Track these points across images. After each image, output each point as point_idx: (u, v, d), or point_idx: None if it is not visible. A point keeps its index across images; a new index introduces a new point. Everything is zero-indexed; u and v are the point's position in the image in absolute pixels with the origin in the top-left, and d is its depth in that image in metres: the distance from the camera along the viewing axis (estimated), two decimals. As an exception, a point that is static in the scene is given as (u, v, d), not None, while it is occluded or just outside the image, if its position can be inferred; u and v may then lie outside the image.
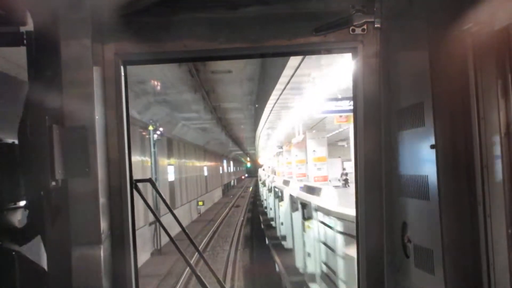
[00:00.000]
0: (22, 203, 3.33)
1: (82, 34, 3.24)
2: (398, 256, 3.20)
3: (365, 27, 3.33)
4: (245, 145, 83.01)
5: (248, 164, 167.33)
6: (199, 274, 3.86)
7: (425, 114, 2.82)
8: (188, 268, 20.23)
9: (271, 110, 27.59)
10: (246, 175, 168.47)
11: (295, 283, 18.83)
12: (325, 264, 14.87)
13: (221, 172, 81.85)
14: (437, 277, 2.76)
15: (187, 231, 4.04)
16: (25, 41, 3.25)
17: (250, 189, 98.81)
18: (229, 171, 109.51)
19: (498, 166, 2.49)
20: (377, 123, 3.36)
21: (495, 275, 2.53)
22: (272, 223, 32.62)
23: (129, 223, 3.45)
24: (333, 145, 51.70)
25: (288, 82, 20.47)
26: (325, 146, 34.84)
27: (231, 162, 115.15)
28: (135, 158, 28.20)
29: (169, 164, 39.66)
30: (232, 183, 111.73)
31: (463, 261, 2.67)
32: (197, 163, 57.05)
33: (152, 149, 31.78)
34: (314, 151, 34.50)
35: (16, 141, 3.29)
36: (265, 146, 52.30)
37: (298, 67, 17.05)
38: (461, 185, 2.69)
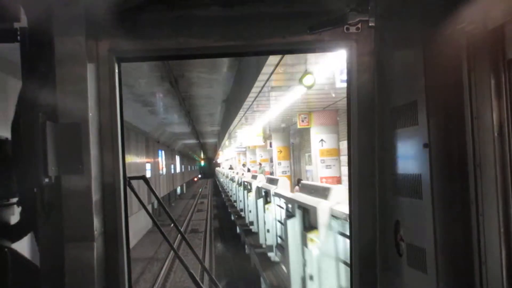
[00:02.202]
0: (15, 199, 3.32)
1: (76, 30, 3.23)
2: (391, 255, 3.21)
3: (359, 25, 3.34)
4: (207, 126, 43.02)
5: (202, 163, 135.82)
6: (181, 257, 3.87)
7: (419, 112, 2.83)
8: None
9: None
10: (200, 175, 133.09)
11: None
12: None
13: (151, 171, 37.14)
14: (429, 276, 2.77)
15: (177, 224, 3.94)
16: (18, 37, 3.24)
17: (209, 203, 52.44)
18: (174, 171, 60.23)
19: (491, 166, 2.50)
20: (371, 122, 3.36)
21: (488, 273, 2.55)
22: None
23: (122, 220, 3.44)
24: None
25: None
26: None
27: (177, 157, 67.00)
28: None
29: None
30: (179, 191, 67.29)
31: (455, 259, 2.68)
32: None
33: None
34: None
35: (9, 138, 3.28)
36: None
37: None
38: (454, 184, 2.70)
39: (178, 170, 68.32)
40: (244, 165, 52.60)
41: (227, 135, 39.95)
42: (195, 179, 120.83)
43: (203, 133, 53.12)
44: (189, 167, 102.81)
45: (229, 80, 21.74)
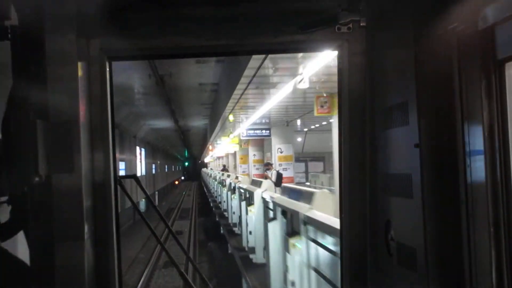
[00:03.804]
0: (5, 198, 3.30)
1: (67, 29, 3.21)
2: (382, 254, 3.22)
3: (350, 25, 3.34)
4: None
5: (187, 163, 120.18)
6: (171, 255, 3.90)
7: (410, 113, 2.84)
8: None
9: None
10: (183, 177, 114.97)
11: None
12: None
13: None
14: (420, 275, 2.78)
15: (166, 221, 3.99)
16: (9, 36, 3.22)
17: (192, 236, 29.74)
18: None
19: (481, 166, 2.51)
20: (362, 122, 3.37)
21: (477, 273, 2.56)
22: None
23: (113, 219, 3.43)
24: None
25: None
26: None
27: (141, 151, 43.66)
28: None
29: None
30: (142, 207, 31.53)
31: (445, 259, 2.70)
32: None
33: None
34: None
35: None
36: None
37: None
38: (444, 184, 2.71)
39: (141, 172, 42.79)
40: (269, 165, 26.50)
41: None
42: (177, 182, 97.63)
43: (182, 96, 27.43)
44: (166, 167, 75.57)
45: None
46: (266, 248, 11.86)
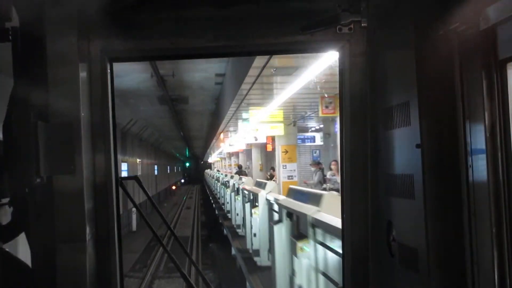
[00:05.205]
0: (7, 200, 3.30)
1: (68, 30, 3.22)
2: (383, 255, 3.21)
3: (351, 26, 3.34)
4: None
5: (187, 163, 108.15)
6: (173, 256, 3.91)
7: (411, 113, 2.83)
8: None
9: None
10: (183, 180, 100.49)
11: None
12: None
13: None
14: (421, 276, 2.77)
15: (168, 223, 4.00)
16: (10, 37, 3.22)
17: None
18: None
19: (483, 166, 2.51)
20: (364, 122, 3.37)
21: (479, 273, 2.56)
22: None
23: (114, 220, 3.43)
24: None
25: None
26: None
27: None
28: None
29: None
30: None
31: (447, 259, 2.69)
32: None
33: None
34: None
35: (1, 138, 3.26)
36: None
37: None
38: (446, 184, 2.71)
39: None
40: None
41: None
42: (174, 187, 76.95)
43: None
44: (156, 168, 55.45)
45: None
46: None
